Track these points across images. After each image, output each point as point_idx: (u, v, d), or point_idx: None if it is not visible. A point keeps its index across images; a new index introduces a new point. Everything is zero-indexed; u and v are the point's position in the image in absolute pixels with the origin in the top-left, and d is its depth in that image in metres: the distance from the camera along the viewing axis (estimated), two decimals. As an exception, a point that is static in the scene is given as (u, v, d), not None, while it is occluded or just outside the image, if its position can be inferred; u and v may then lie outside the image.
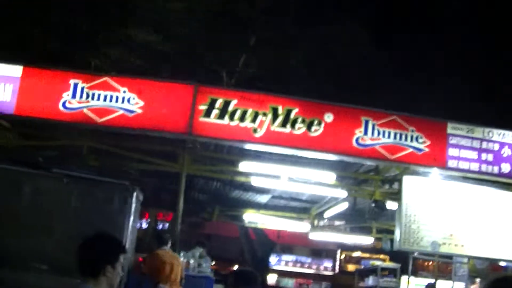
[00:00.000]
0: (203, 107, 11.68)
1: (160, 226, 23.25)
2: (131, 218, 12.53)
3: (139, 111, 11.59)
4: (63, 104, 11.56)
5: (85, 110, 11.54)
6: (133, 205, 12.57)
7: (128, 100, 11.59)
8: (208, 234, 22.15)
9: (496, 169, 12.97)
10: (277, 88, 14.94)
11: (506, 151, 13.05)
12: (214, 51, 18.83)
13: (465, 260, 16.09)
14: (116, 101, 11.61)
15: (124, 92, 11.64)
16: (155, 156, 13.79)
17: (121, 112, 11.59)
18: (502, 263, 15.68)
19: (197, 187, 18.02)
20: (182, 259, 14.36)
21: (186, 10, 17.83)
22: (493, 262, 16.00)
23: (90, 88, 11.64)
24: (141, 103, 11.62)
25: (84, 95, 11.58)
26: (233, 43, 19.25)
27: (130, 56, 17.04)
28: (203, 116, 11.66)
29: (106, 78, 11.80)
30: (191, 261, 15.35)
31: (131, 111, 11.59)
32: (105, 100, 11.61)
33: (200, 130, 11.72)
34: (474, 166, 12.83)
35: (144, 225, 22.50)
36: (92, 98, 11.59)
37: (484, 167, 12.90)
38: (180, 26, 17.96)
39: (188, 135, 11.92)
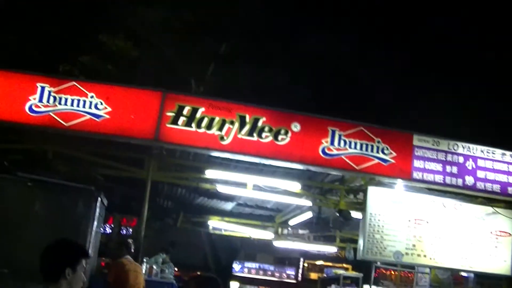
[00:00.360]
0: (170, 114, 11.67)
1: (124, 232, 23.15)
2: (95, 223, 12.55)
3: (107, 116, 11.54)
4: (30, 107, 11.47)
5: (52, 114, 11.45)
6: (97, 210, 12.59)
7: (96, 105, 11.54)
8: (172, 241, 22.08)
9: (460, 182, 13.16)
10: (248, 98, 14.99)
11: (470, 164, 13.25)
12: (184, 59, 18.87)
13: (427, 270, 16.25)
14: (84, 105, 11.53)
15: (92, 97, 11.57)
16: (121, 162, 13.75)
17: (88, 117, 11.51)
18: (463, 274, 15.90)
19: (163, 194, 18.01)
20: (145, 265, 14.39)
21: (158, 19, 17.89)
22: (454, 273, 16.21)
23: (58, 92, 11.56)
24: (109, 109, 11.57)
25: (51, 99, 11.49)
26: (203, 52, 19.31)
27: (101, 62, 17.03)
28: (170, 123, 11.65)
29: (73, 83, 11.72)
30: (154, 267, 15.39)
31: (99, 116, 11.54)
32: (72, 104, 11.53)
33: (167, 136, 11.69)
34: (439, 178, 13.01)
35: (108, 230, 22.42)
36: (59, 103, 11.50)
37: (448, 179, 13.08)
38: (152, 34, 18.02)
39: (155, 142, 11.86)
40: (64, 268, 4.73)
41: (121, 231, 22.74)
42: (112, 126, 11.61)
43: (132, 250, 11.85)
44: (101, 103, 11.58)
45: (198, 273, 24.12)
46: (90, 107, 11.54)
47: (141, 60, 18.00)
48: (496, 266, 13.76)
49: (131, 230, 22.79)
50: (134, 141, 12.01)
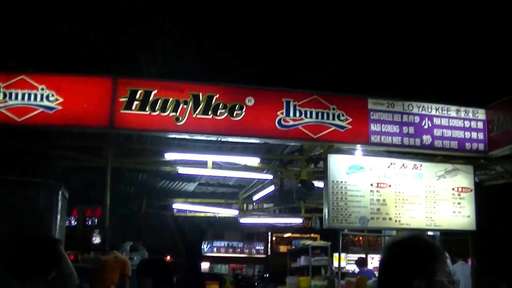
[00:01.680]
0: (123, 99, 11.63)
1: (89, 223, 23.16)
2: (58, 217, 12.56)
3: (59, 107, 11.45)
4: (-20, 105, 11.42)
5: (3, 110, 11.33)
6: (59, 204, 12.60)
7: (47, 97, 11.44)
8: (140, 227, 22.16)
9: (418, 141, 13.36)
10: (199, 75, 15.04)
11: (426, 123, 13.45)
12: (133, 41, 18.85)
13: (394, 233, 16.50)
14: (35, 99, 11.42)
15: (42, 89, 11.48)
16: (79, 151, 13.75)
17: (40, 110, 11.42)
18: (429, 232, 16.18)
19: (124, 180, 18.01)
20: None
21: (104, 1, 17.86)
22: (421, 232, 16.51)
23: (7, 87, 11.43)
24: (61, 100, 11.47)
25: (1, 95, 11.37)
26: (152, 33, 19.30)
27: (49, 50, 16.92)
28: (124, 108, 11.61)
29: (22, 76, 11.59)
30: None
31: (51, 108, 11.45)
32: (23, 98, 11.40)
33: (122, 122, 11.68)
34: (397, 140, 13.19)
35: (73, 222, 22.43)
36: (10, 98, 11.37)
37: (406, 140, 13.27)
38: (99, 17, 17.95)
39: (110, 128, 11.86)
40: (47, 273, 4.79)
41: (86, 222, 22.75)
42: (66, 117, 11.53)
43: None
44: (53, 95, 11.48)
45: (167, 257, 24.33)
46: (41, 100, 11.44)
47: (89, 45, 17.92)
48: (460, 222, 14.04)
49: (96, 220, 22.81)
50: (89, 130, 12.02)
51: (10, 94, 11.45)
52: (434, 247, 3.67)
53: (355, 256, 20.31)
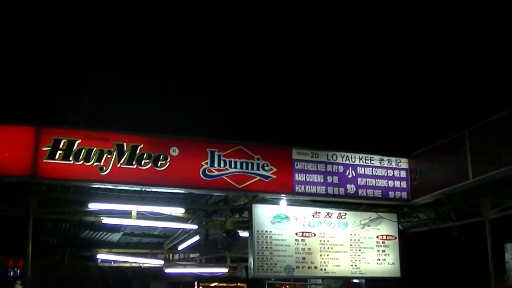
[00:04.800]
0: (46, 149, 11.66)
1: (11, 274, 22.83)
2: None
3: (-20, 157, 11.45)
4: None
5: None
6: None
7: (-32, 147, 11.48)
8: (63, 277, 21.90)
9: (342, 191, 13.79)
10: (124, 124, 15.08)
11: (350, 172, 13.91)
12: (58, 90, 18.82)
13: (319, 281, 16.84)
14: (-45, 149, 11.47)
15: (-37, 139, 11.54)
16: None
17: (-40, 160, 11.45)
18: (355, 280, 16.56)
19: (47, 230, 17.87)
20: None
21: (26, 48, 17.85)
22: (346, 280, 16.86)
23: None
24: (-18, 149, 11.49)
25: None
26: (77, 81, 19.31)
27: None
28: (47, 158, 11.64)
29: None
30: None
31: (-28, 158, 11.49)
32: None
33: (45, 172, 11.68)
34: (321, 189, 13.60)
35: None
36: None
37: (330, 190, 13.69)
38: (21, 65, 17.94)
39: (32, 178, 11.77)
40: None
41: (8, 273, 22.44)
42: (-13, 166, 11.51)
43: None
44: (-26, 145, 11.51)
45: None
46: (-38, 149, 11.48)
47: (13, 95, 17.87)
48: (385, 269, 14.49)
49: (18, 271, 22.51)
50: (11, 179, 11.90)
51: None
52: None
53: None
